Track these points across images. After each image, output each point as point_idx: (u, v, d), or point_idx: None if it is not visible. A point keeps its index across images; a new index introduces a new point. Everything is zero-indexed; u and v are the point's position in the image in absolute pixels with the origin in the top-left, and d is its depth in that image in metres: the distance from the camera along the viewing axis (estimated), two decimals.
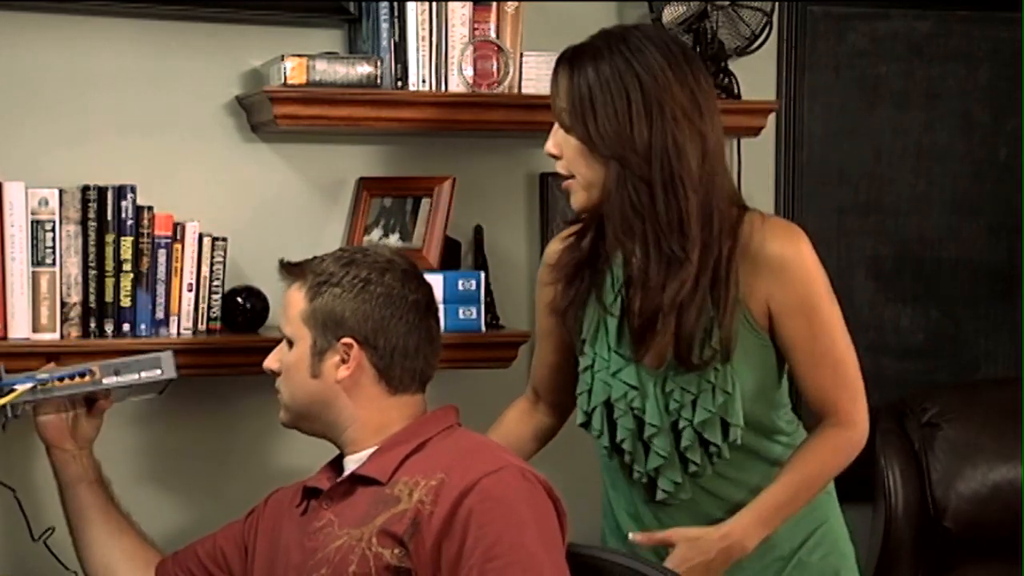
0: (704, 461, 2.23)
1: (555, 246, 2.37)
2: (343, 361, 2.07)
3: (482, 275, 2.82)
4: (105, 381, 2.29)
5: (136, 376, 2.32)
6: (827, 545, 2.31)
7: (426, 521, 1.94)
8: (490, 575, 1.89)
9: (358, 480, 2.07)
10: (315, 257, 2.16)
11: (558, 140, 2.19)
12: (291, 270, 2.15)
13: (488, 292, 2.85)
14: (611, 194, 2.14)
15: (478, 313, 2.79)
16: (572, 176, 2.18)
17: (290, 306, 2.12)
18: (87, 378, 2.27)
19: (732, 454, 2.23)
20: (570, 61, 2.18)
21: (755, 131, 3.04)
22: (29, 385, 2.22)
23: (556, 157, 2.20)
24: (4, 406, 2.22)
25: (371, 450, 2.09)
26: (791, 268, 2.18)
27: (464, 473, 1.97)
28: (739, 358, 2.20)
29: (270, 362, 2.16)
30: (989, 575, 3.18)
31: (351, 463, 2.12)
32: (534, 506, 1.97)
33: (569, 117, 2.15)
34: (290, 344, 2.13)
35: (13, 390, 2.22)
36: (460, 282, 2.78)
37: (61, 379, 2.25)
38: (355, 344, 2.07)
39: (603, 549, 2.27)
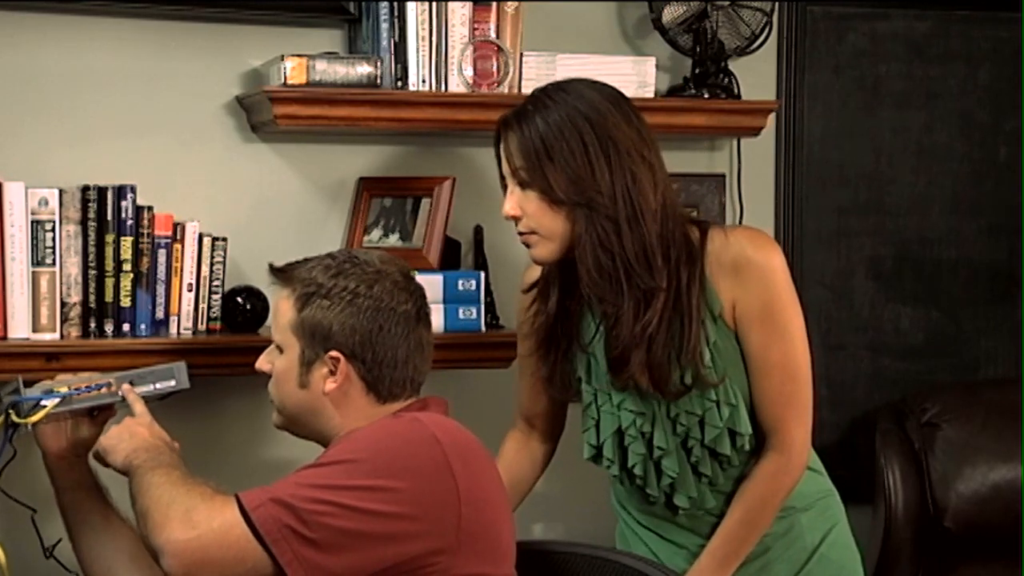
0: (716, 470, 2.24)
1: (531, 274, 2.36)
2: (331, 373, 2.06)
3: (482, 275, 2.82)
4: (121, 393, 2.28)
5: (151, 387, 2.31)
6: (842, 544, 2.34)
7: None
8: (292, 476, 1.91)
9: None
10: (305, 260, 2.13)
11: (516, 200, 2.17)
12: (278, 276, 2.13)
13: (488, 292, 2.85)
14: (581, 239, 2.14)
15: (478, 313, 2.79)
16: (533, 232, 2.18)
17: (279, 314, 2.11)
18: (104, 390, 2.27)
19: (740, 458, 2.24)
20: (516, 119, 2.17)
21: (755, 131, 3.04)
22: (56, 400, 2.21)
23: (516, 218, 2.18)
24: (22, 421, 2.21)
25: None
26: (756, 271, 2.18)
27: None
28: (732, 366, 2.21)
29: (262, 363, 2.15)
30: (989, 575, 3.18)
31: None
32: (390, 447, 1.93)
33: (527, 173, 2.15)
34: (279, 350, 2.11)
35: (40, 407, 2.20)
36: (460, 282, 2.78)
37: (80, 392, 2.25)
38: (342, 358, 2.05)
39: (603, 548, 2.27)
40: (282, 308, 2.10)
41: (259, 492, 1.88)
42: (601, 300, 2.18)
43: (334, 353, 2.05)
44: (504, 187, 2.21)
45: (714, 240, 2.20)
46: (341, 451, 1.94)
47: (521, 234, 2.20)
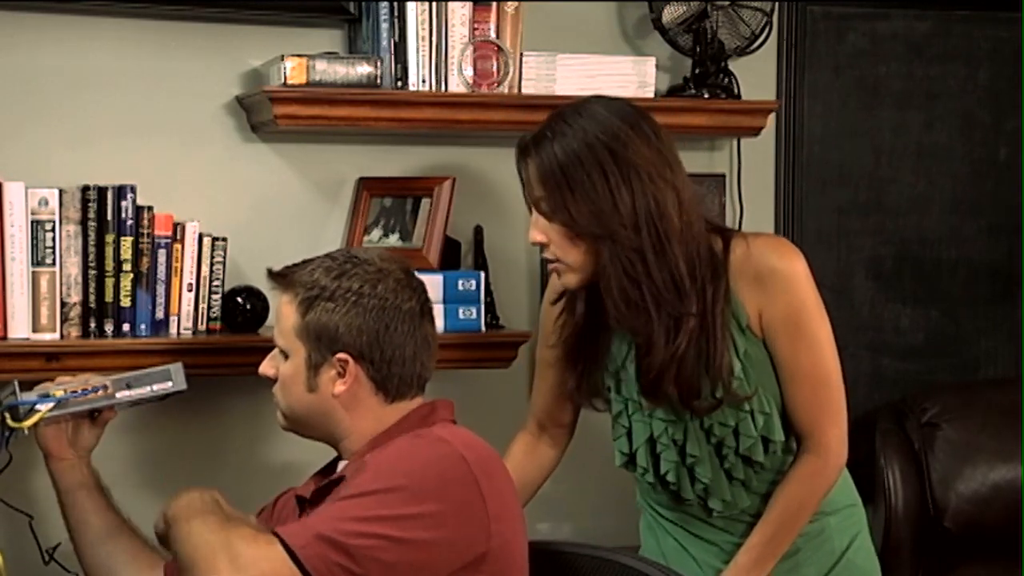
0: (749, 475, 2.24)
1: (558, 284, 2.33)
2: (339, 375, 2.05)
3: (482, 275, 2.82)
4: (118, 395, 2.27)
5: (148, 389, 2.31)
6: (865, 550, 2.34)
7: (340, 490, 1.94)
8: (329, 509, 1.89)
9: (333, 483, 2.05)
10: (305, 263, 2.11)
11: (541, 227, 2.14)
12: (278, 280, 2.11)
13: (488, 292, 2.85)
14: (606, 270, 2.11)
15: (478, 313, 2.78)
16: (559, 261, 2.15)
17: (282, 318, 2.09)
18: (100, 393, 2.27)
19: (774, 461, 2.24)
20: (534, 146, 2.13)
21: (755, 131, 3.04)
22: (50, 405, 2.21)
23: (543, 244, 2.15)
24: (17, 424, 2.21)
25: None
26: (781, 280, 2.17)
27: (387, 443, 1.98)
28: (763, 374, 2.20)
29: (266, 368, 2.13)
30: (989, 575, 3.18)
31: (341, 468, 2.10)
32: (421, 470, 1.91)
33: (548, 204, 2.11)
34: (283, 354, 2.09)
35: (35, 411, 2.20)
36: (460, 282, 2.77)
37: (75, 396, 2.24)
38: (350, 359, 2.04)
39: (605, 548, 2.27)
40: (285, 313, 2.08)
41: (300, 529, 1.86)
42: (631, 331, 2.17)
43: (342, 355, 2.03)
44: (530, 207, 2.17)
45: (736, 250, 2.18)
46: (374, 479, 1.90)
47: (547, 260, 2.18)
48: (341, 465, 2.11)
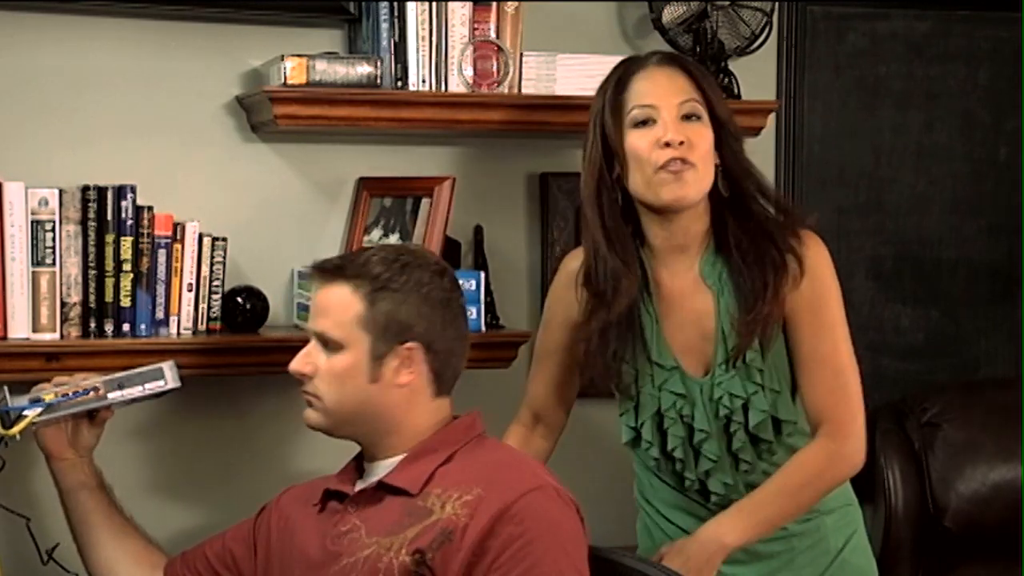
0: (755, 459, 2.25)
1: (573, 264, 2.35)
2: (403, 365, 2.05)
3: (482, 275, 2.82)
4: (110, 396, 2.27)
5: (140, 388, 2.31)
6: (861, 550, 2.36)
7: (459, 533, 1.93)
8: None
9: (386, 488, 2.04)
10: (357, 254, 2.13)
11: (683, 127, 2.21)
12: (335, 273, 2.09)
13: (488, 292, 2.85)
14: (733, 170, 2.30)
15: (478, 313, 2.78)
16: (693, 165, 2.21)
17: (338, 310, 2.06)
18: (91, 395, 2.26)
19: (781, 449, 2.25)
20: (680, 57, 2.32)
21: (755, 131, 3.04)
22: (37, 410, 2.21)
23: (679, 143, 2.20)
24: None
25: (400, 457, 2.07)
26: (809, 268, 2.22)
27: (503, 490, 1.95)
28: (776, 355, 2.23)
29: (302, 366, 2.09)
30: (989, 575, 3.18)
31: (380, 468, 2.09)
32: (567, 528, 1.97)
33: (707, 102, 2.25)
34: (335, 347, 2.06)
35: (23, 417, 2.20)
36: (460, 282, 2.76)
37: (67, 399, 2.24)
38: (420, 348, 2.05)
39: (606, 549, 2.27)
40: (345, 303, 2.06)
41: None
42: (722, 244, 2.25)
43: (411, 344, 2.04)
44: (635, 122, 2.23)
45: None
46: (539, 555, 1.92)
47: (681, 162, 2.21)
48: (385, 466, 2.09)
